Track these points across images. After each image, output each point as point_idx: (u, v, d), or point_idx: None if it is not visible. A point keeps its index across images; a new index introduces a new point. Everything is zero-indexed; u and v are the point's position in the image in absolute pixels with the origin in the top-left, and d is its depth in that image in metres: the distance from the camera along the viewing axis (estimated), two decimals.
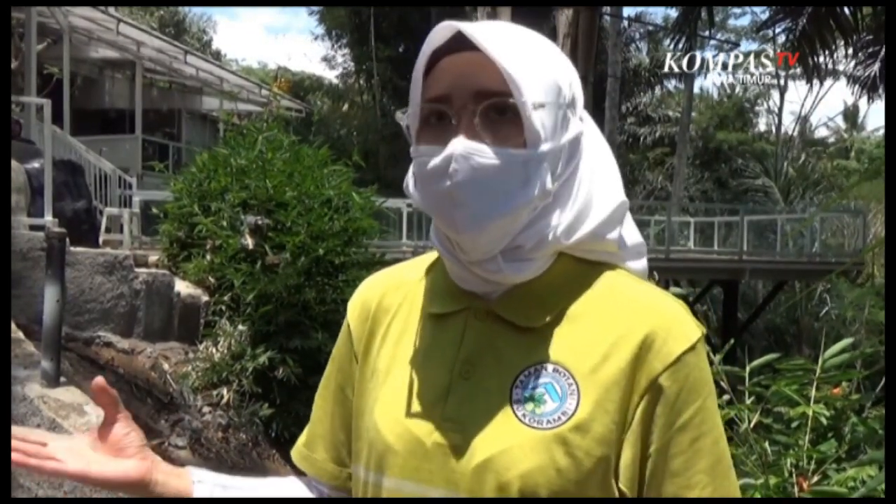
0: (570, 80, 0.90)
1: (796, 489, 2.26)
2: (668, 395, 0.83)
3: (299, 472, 1.07)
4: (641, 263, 0.97)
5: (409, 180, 0.91)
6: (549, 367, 0.85)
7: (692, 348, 0.85)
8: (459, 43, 0.85)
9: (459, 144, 0.83)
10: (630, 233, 0.95)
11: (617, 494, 0.83)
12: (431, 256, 1.01)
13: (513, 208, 0.84)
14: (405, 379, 0.91)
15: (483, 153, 0.83)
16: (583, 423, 0.82)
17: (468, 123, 0.84)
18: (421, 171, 0.87)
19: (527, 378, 0.85)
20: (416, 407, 0.89)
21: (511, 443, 0.82)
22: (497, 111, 0.84)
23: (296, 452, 1.07)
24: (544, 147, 0.85)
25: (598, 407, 0.83)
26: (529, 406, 0.84)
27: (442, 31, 0.86)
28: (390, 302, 0.99)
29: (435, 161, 0.84)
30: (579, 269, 0.90)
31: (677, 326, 0.85)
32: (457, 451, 0.84)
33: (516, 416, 0.84)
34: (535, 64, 0.85)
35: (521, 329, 0.88)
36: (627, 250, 0.95)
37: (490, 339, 0.89)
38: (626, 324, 0.85)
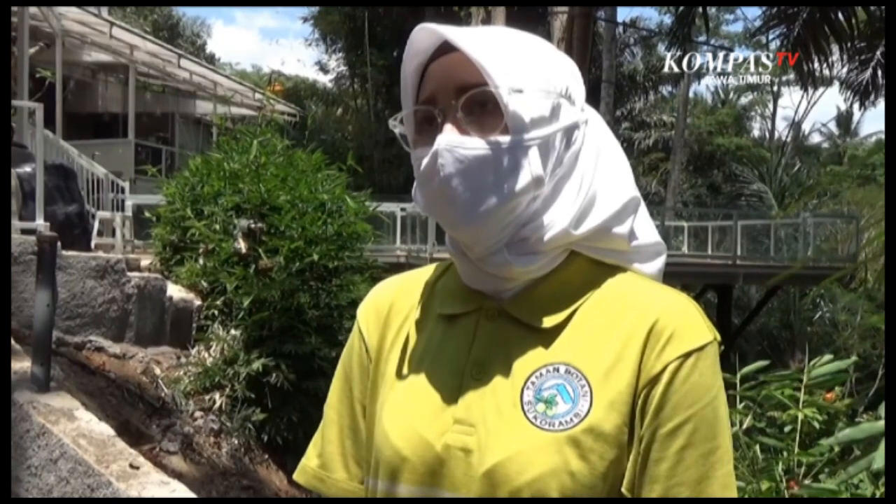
0: (563, 72, 0.89)
1: (787, 493, 2.26)
2: (660, 396, 0.80)
3: (296, 485, 1.01)
4: (657, 265, 0.94)
5: (415, 187, 0.91)
6: (562, 368, 0.83)
7: (697, 351, 0.81)
8: (445, 48, 0.86)
9: (443, 139, 0.83)
10: (646, 231, 0.93)
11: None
12: (443, 263, 1.00)
13: (504, 197, 0.83)
14: (415, 382, 0.89)
15: (466, 144, 0.83)
16: (596, 425, 0.80)
17: (453, 119, 0.84)
18: (418, 175, 0.87)
19: (538, 379, 0.83)
20: (426, 410, 0.86)
21: (522, 446, 0.80)
22: (479, 104, 0.84)
23: (307, 475, 1.00)
24: (530, 133, 0.84)
25: (612, 408, 0.80)
26: (541, 407, 0.82)
27: (421, 35, 0.86)
28: (401, 306, 0.98)
29: (425, 161, 0.84)
30: (592, 271, 0.89)
31: (683, 327, 0.82)
32: (468, 454, 0.82)
33: (527, 417, 0.81)
34: (511, 53, 0.85)
35: (533, 329, 0.86)
36: (642, 249, 0.92)
37: (501, 340, 0.87)
38: (635, 323, 0.83)
